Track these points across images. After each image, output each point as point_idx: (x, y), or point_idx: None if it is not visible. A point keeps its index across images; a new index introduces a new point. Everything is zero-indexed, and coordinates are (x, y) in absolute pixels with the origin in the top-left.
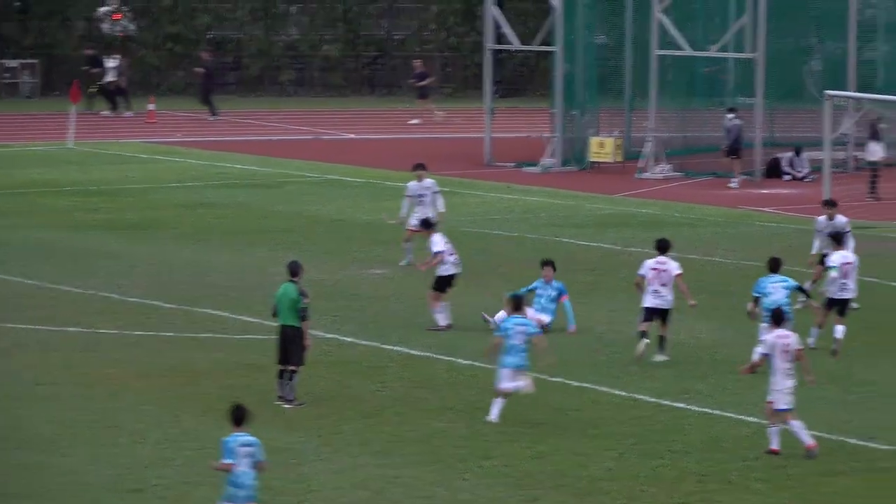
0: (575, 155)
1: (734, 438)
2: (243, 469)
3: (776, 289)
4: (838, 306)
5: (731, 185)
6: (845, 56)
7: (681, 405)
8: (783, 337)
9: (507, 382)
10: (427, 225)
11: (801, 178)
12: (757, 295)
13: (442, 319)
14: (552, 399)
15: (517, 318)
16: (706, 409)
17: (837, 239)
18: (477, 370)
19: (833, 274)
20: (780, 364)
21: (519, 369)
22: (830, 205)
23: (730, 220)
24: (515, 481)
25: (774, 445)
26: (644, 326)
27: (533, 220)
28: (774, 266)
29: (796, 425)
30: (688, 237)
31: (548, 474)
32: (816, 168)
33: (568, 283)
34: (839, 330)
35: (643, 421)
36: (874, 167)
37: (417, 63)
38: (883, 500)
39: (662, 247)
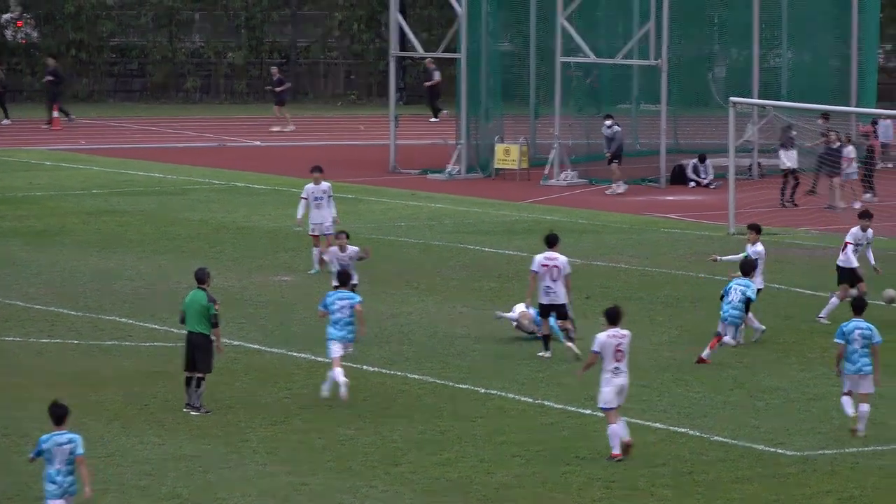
0: (480, 162)
1: (641, 445)
2: (58, 467)
3: (737, 292)
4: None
5: (609, 191)
6: (749, 63)
7: (587, 412)
8: (615, 336)
9: (336, 353)
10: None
11: (706, 185)
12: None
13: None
14: (459, 406)
15: (340, 293)
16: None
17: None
18: (384, 377)
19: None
20: (609, 363)
21: (345, 341)
22: (866, 216)
23: (634, 226)
24: (423, 488)
25: (615, 450)
26: (545, 330)
27: (438, 227)
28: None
29: (616, 427)
30: (593, 244)
31: (455, 481)
32: (721, 175)
33: (473, 289)
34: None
35: (550, 427)
36: (789, 174)
37: (275, 70)
38: None
39: (551, 241)
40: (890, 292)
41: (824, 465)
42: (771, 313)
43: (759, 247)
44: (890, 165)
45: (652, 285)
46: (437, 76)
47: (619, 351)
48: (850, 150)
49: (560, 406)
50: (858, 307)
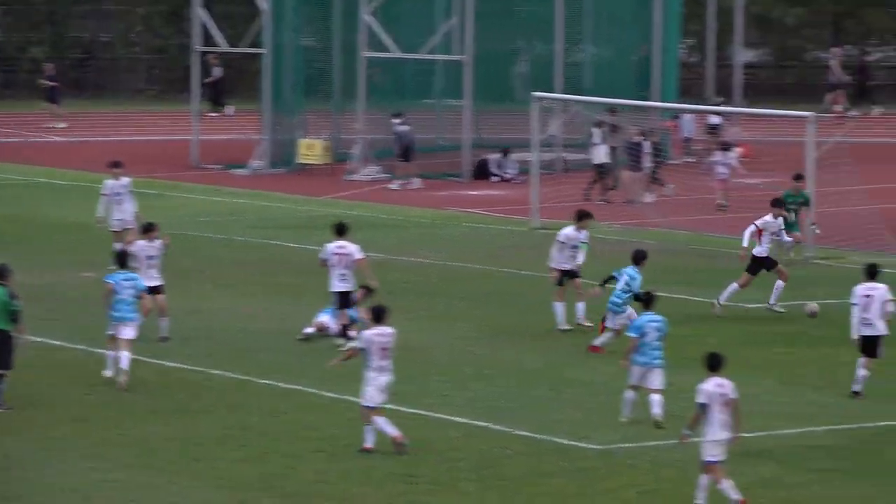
0: (284, 157)
1: (443, 440)
2: None
3: (622, 281)
4: None
5: (395, 186)
6: (553, 58)
7: (391, 406)
8: (381, 334)
9: (125, 335)
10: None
11: (509, 180)
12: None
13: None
14: (263, 402)
15: (124, 274)
16: (416, 411)
17: None
18: (185, 373)
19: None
20: (375, 361)
21: (126, 322)
22: (779, 204)
23: (437, 221)
24: (226, 483)
25: (369, 444)
26: (344, 320)
27: (241, 222)
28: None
29: (381, 421)
30: (396, 239)
31: (258, 477)
32: (524, 169)
33: (275, 285)
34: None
35: (353, 423)
36: (600, 169)
37: (48, 66)
38: (590, 500)
39: (340, 230)
40: (812, 306)
41: (625, 458)
42: (568, 307)
43: (582, 234)
44: (692, 160)
45: (454, 280)
46: (217, 72)
47: (385, 349)
48: (648, 145)
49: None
50: (647, 301)
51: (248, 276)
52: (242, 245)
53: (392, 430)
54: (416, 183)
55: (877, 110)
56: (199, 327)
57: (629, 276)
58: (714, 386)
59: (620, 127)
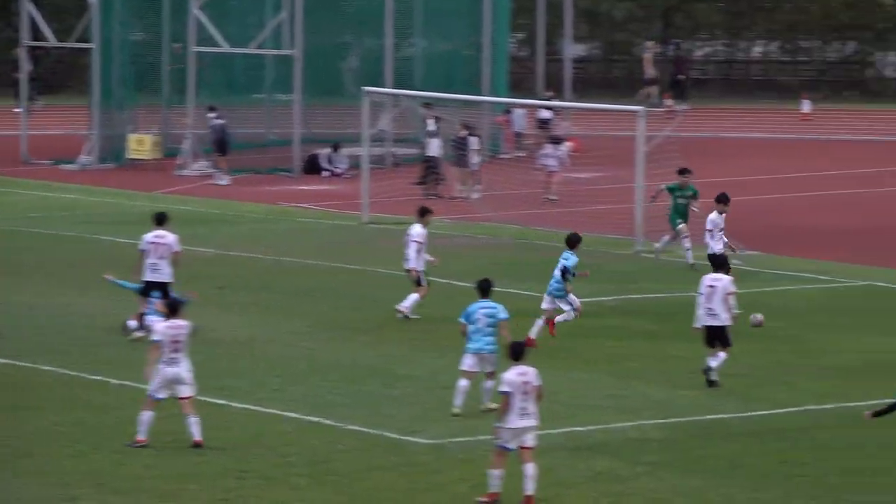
0: (114, 152)
1: (275, 434)
2: None
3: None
4: None
5: (221, 182)
6: (383, 53)
7: (221, 401)
8: (174, 327)
9: None
10: None
11: (340, 175)
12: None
13: None
14: (93, 397)
15: None
16: (247, 406)
17: None
18: (15, 369)
19: None
20: (167, 354)
21: None
22: (723, 201)
23: (269, 216)
24: (56, 480)
25: (141, 436)
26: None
27: (71, 218)
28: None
29: (146, 416)
30: (228, 234)
31: (87, 473)
32: (355, 164)
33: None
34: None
35: (181, 418)
36: (430, 162)
37: None
38: (422, 494)
39: (160, 220)
40: (758, 317)
41: (457, 452)
42: (400, 301)
43: (418, 228)
44: (523, 154)
45: (286, 275)
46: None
47: (177, 342)
48: (474, 141)
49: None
50: (484, 289)
51: (79, 272)
52: (73, 241)
53: (144, 429)
54: (225, 179)
55: (686, 105)
56: (30, 323)
57: (563, 258)
58: (516, 374)
59: (446, 120)
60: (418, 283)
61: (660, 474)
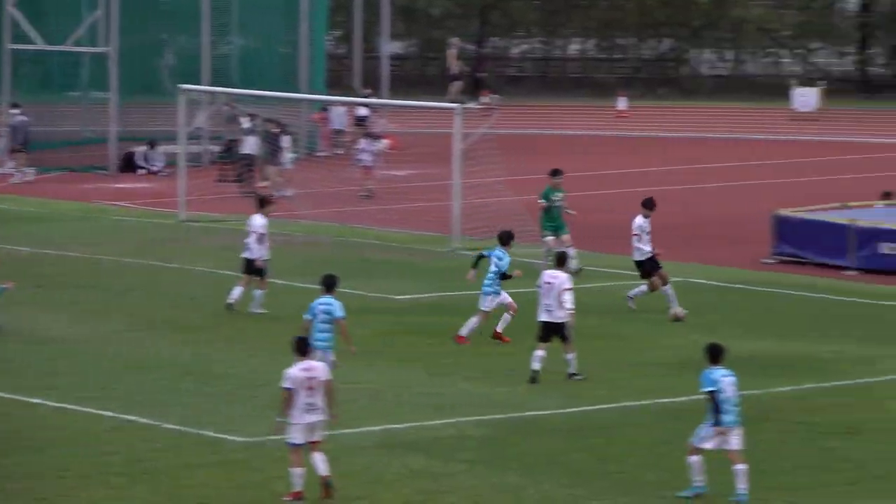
0: None
1: (92, 433)
2: None
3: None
4: None
5: (15, 180)
6: (200, 51)
7: (38, 401)
8: None
9: None
10: None
11: (156, 172)
12: None
13: None
14: None
15: None
16: (64, 405)
17: None
18: None
19: None
20: None
21: None
22: (649, 206)
23: (85, 214)
24: None
25: None
26: None
27: None
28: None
29: None
30: (44, 232)
31: None
32: (172, 162)
33: None
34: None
35: (14, 419)
36: (245, 160)
37: None
38: (239, 491)
39: None
40: (678, 310)
41: (274, 450)
42: (219, 299)
43: (259, 219)
44: (342, 152)
45: (104, 273)
46: None
47: None
48: (286, 139)
49: (9, 396)
50: (327, 285)
51: None
52: None
53: None
54: (24, 175)
55: (486, 100)
56: None
57: (497, 257)
58: (300, 370)
59: (258, 117)
60: (261, 272)
61: (477, 471)
